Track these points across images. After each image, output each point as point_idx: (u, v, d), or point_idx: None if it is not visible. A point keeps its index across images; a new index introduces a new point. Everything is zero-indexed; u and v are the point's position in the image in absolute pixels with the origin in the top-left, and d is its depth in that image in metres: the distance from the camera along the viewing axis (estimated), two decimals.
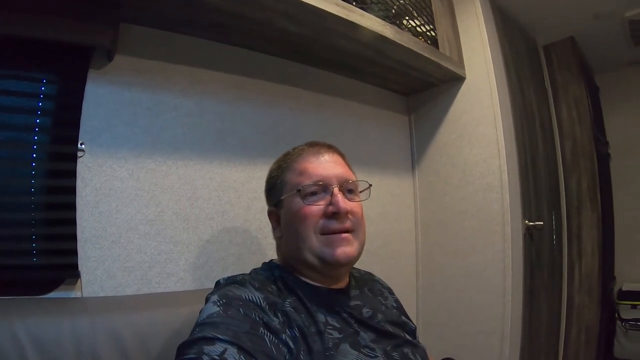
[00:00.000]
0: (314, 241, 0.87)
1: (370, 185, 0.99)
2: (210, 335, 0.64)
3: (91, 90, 1.10)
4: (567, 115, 2.61)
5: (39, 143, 1.02)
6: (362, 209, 0.95)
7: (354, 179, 0.95)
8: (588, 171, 2.52)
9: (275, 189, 0.97)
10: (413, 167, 2.11)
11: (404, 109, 2.14)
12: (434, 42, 1.75)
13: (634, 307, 2.73)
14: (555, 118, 2.65)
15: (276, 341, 0.72)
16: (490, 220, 1.79)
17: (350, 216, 0.89)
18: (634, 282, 2.90)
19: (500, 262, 1.75)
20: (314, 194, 0.89)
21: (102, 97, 1.13)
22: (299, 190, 0.89)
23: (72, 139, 1.05)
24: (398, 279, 1.94)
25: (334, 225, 0.87)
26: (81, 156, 1.07)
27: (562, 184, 2.60)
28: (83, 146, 1.07)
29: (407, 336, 0.95)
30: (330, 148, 0.98)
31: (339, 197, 0.87)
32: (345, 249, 0.87)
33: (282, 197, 0.94)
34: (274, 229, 0.99)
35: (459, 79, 1.91)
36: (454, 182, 1.93)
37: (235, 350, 0.63)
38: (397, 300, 1.10)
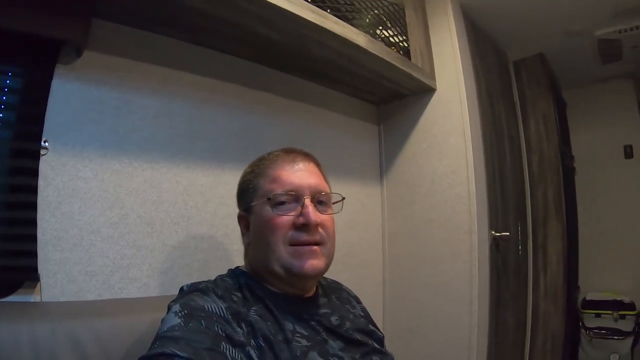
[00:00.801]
0: (282, 252, 0.85)
1: (344, 198, 0.97)
2: (170, 352, 0.62)
3: (58, 86, 1.07)
4: (534, 129, 2.68)
5: (0, 138, 0.99)
6: (333, 222, 0.94)
7: (328, 190, 0.94)
8: (554, 184, 2.59)
9: (246, 194, 0.95)
10: (381, 177, 2.12)
11: (373, 118, 2.16)
12: (406, 52, 1.77)
13: (597, 315, 2.80)
14: (522, 132, 2.72)
15: (239, 357, 0.70)
16: (458, 230, 1.82)
17: (320, 229, 0.88)
18: (598, 292, 2.98)
19: (467, 271, 1.78)
20: (284, 203, 0.87)
21: (68, 94, 1.10)
22: (269, 199, 0.87)
23: (36, 136, 1.01)
24: (365, 287, 1.94)
25: (303, 237, 0.86)
26: (44, 154, 1.03)
27: (528, 196, 2.66)
28: (47, 144, 1.03)
29: (375, 344, 0.95)
30: (307, 156, 0.96)
31: (310, 208, 0.86)
32: (313, 262, 0.86)
33: (252, 204, 0.92)
34: (242, 234, 0.97)
35: (429, 90, 1.93)
36: (423, 192, 1.95)
37: None
38: (364, 309, 1.09)
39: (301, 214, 0.86)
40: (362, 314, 1.06)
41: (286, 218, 0.86)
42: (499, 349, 2.03)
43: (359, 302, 1.12)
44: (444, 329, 1.82)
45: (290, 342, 0.78)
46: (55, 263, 1.04)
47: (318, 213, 0.88)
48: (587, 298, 2.95)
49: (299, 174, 0.90)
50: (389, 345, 1.07)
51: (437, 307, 1.85)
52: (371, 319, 1.08)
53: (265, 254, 0.87)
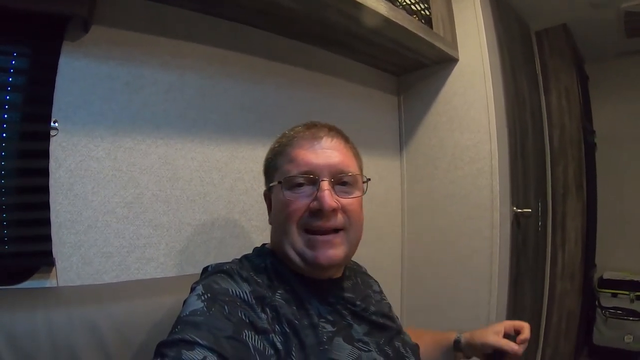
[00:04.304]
0: (297, 238, 0.81)
1: (368, 179, 0.91)
2: (191, 339, 0.60)
3: (65, 64, 1.03)
4: (556, 103, 2.60)
5: (8, 121, 0.95)
6: (359, 205, 0.87)
7: (353, 170, 0.86)
8: (575, 160, 2.52)
9: (268, 173, 0.91)
10: (401, 149, 2.08)
11: (393, 89, 2.09)
12: (428, 21, 1.70)
13: (614, 295, 2.78)
14: (544, 105, 2.64)
15: (261, 345, 0.67)
16: (479, 206, 1.78)
17: (340, 214, 0.82)
18: (615, 271, 2.95)
19: (488, 248, 1.74)
20: (301, 185, 0.82)
21: (77, 71, 1.05)
22: (280, 182, 0.83)
23: (45, 117, 0.98)
24: (383, 262, 1.93)
25: (318, 222, 0.80)
26: (54, 135, 1.00)
27: (548, 172, 2.60)
28: (56, 124, 1.00)
29: (397, 326, 0.93)
30: (331, 131, 0.88)
31: (325, 193, 0.79)
32: (328, 253, 0.80)
33: (271, 184, 0.88)
34: (268, 212, 0.93)
35: (451, 61, 1.86)
36: (443, 166, 1.90)
37: (215, 358, 0.59)
38: (384, 296, 1.07)
39: (316, 198, 0.80)
40: (384, 298, 1.04)
41: (301, 202, 0.80)
42: None
43: (379, 286, 1.09)
44: (463, 305, 1.80)
45: (317, 327, 0.76)
46: (70, 246, 1.02)
47: (337, 197, 0.81)
48: (604, 277, 2.92)
49: (319, 153, 0.83)
50: (405, 321, 1.05)
51: (456, 283, 1.83)
52: (390, 306, 1.04)
53: (281, 237, 0.83)
